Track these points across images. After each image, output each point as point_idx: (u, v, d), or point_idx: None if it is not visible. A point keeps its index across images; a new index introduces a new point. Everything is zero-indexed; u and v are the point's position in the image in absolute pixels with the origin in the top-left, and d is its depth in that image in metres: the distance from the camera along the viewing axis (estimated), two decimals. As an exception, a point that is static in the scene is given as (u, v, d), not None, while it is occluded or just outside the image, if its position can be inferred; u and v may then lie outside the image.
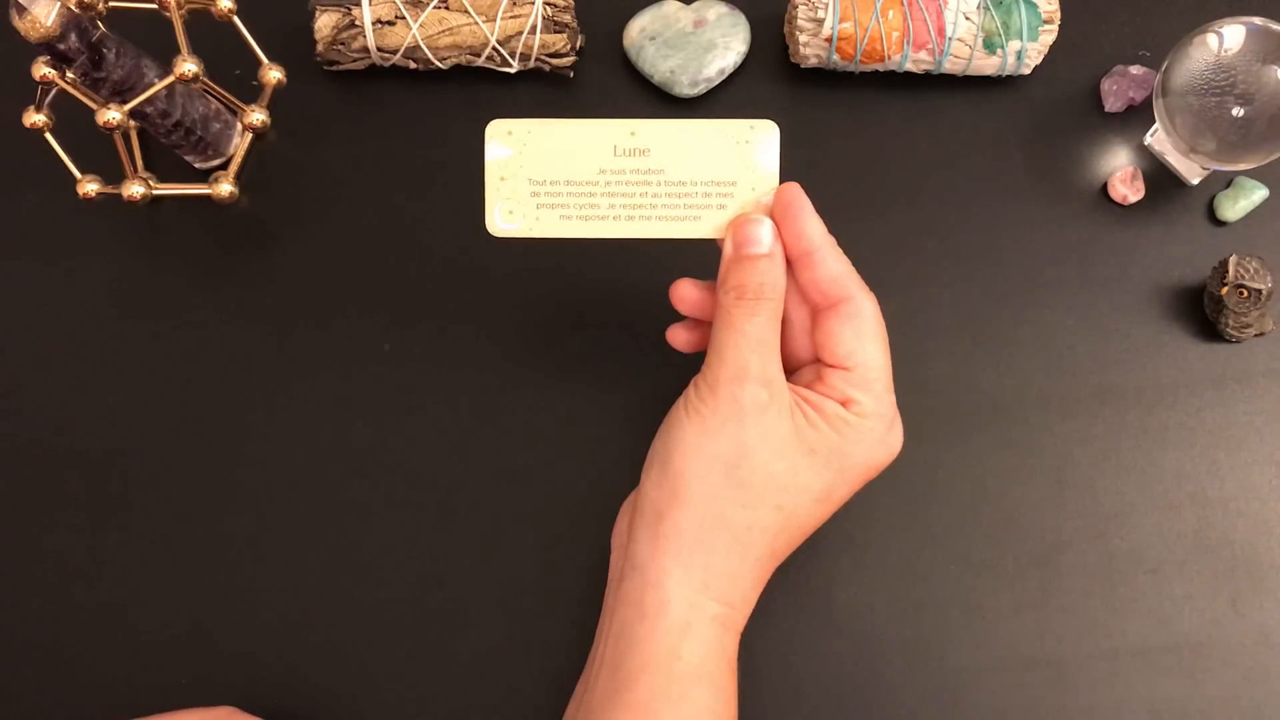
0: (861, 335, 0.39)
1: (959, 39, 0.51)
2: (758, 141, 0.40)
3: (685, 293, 0.43)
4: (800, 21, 0.51)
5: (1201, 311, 0.51)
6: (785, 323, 0.41)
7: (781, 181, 0.40)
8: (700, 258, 0.43)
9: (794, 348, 0.42)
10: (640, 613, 0.39)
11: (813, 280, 0.40)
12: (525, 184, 0.41)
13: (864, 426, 0.39)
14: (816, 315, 0.41)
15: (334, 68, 0.54)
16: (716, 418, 0.39)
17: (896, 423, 0.41)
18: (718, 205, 0.41)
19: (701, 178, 0.41)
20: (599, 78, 0.55)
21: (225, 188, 0.47)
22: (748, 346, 0.39)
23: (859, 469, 0.40)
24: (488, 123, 0.40)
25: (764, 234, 0.40)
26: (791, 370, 0.42)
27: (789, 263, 0.40)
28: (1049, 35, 0.51)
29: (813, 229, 0.39)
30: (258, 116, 0.47)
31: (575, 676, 0.43)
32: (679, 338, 0.45)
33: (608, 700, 0.39)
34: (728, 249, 0.40)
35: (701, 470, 0.39)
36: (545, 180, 0.41)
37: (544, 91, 0.54)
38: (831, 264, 0.40)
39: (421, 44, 0.51)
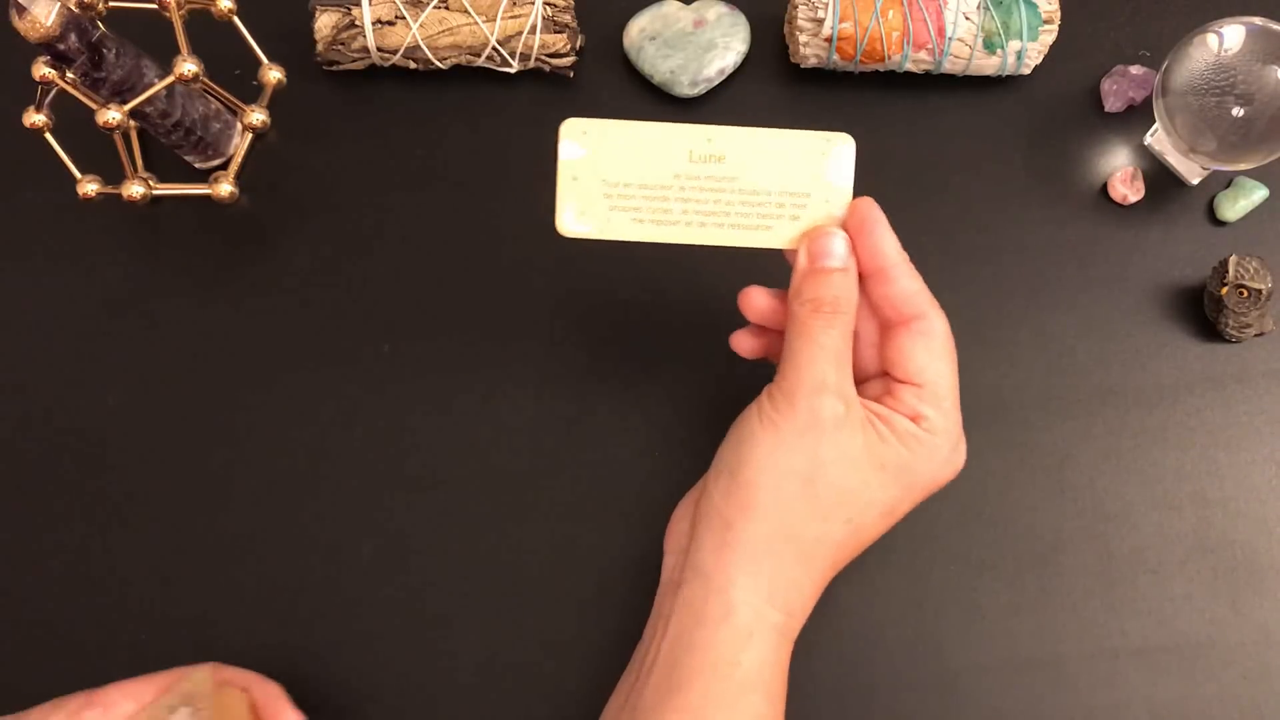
0: (933, 352, 0.40)
1: (959, 39, 0.51)
2: (833, 154, 0.40)
3: (755, 300, 0.42)
4: (800, 21, 0.51)
5: (1201, 311, 0.51)
6: (853, 336, 0.41)
7: (855, 195, 0.40)
8: (758, 264, 0.43)
9: (860, 361, 0.42)
10: (701, 618, 0.39)
11: (886, 296, 0.40)
12: (598, 185, 0.40)
13: (933, 443, 0.39)
14: (887, 330, 0.41)
15: (334, 68, 0.54)
16: (793, 430, 0.38)
17: (962, 441, 0.41)
18: (790, 216, 0.40)
19: (775, 187, 0.40)
20: (599, 78, 0.55)
21: (225, 188, 0.47)
22: (824, 359, 0.39)
23: (924, 484, 0.40)
24: (560, 121, 0.40)
25: (839, 247, 0.39)
26: (856, 383, 0.41)
27: (861, 277, 0.40)
28: (1049, 35, 0.51)
29: (888, 246, 0.39)
30: (258, 116, 0.47)
31: (614, 679, 0.43)
32: (744, 344, 0.44)
33: (659, 702, 0.39)
34: (802, 260, 0.40)
35: (774, 483, 0.38)
36: (619, 182, 0.40)
37: (544, 92, 0.54)
38: (906, 281, 0.39)
39: (421, 44, 0.51)
